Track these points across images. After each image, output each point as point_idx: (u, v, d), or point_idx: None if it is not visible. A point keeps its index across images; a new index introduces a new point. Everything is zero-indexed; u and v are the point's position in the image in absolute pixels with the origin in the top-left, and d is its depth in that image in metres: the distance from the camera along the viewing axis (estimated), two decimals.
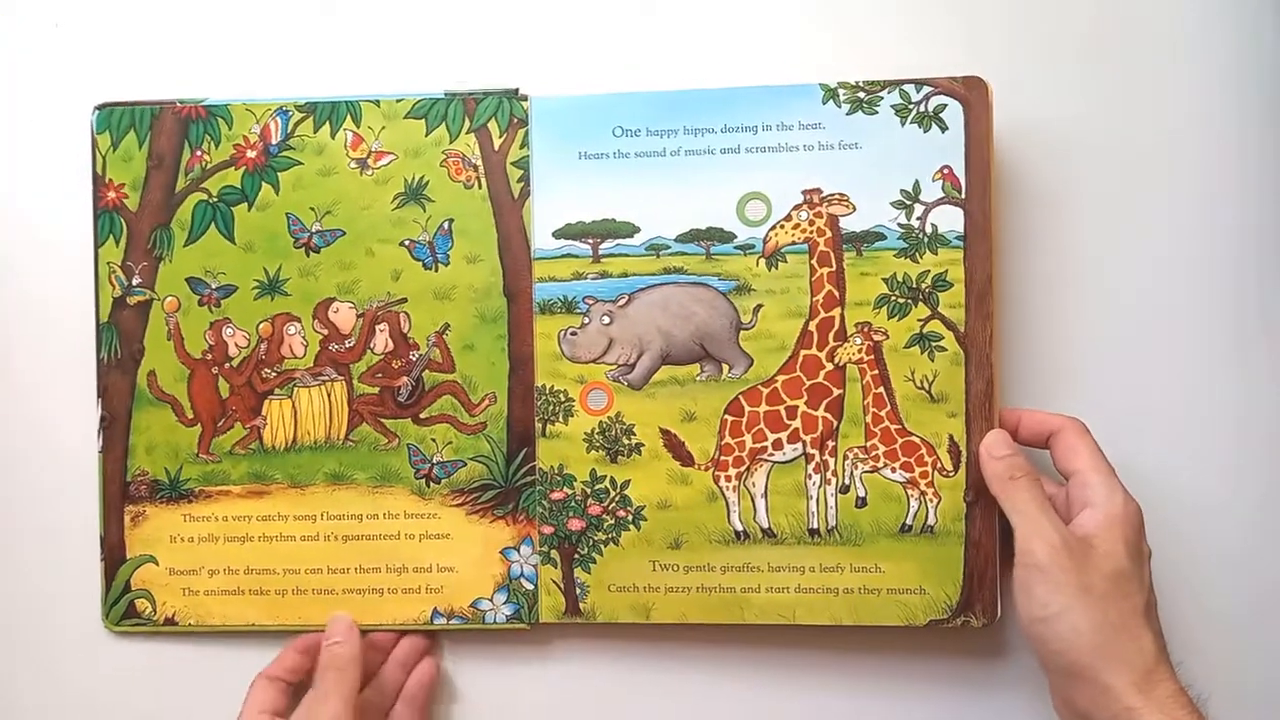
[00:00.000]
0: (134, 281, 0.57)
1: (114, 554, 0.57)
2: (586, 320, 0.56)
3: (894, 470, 0.54)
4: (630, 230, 0.55)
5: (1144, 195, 0.57)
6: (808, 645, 0.57)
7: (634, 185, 0.55)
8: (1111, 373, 0.57)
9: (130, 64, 0.59)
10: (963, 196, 0.53)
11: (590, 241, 0.56)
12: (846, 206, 0.54)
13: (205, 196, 0.57)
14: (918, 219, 0.54)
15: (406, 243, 0.57)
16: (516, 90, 0.56)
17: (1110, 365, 0.57)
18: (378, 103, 0.56)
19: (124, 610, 0.57)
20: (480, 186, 0.56)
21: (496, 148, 0.56)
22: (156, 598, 0.57)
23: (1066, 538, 0.48)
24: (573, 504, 0.56)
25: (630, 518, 0.56)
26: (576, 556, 0.56)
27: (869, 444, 0.54)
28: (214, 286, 0.57)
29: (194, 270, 0.57)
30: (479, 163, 0.56)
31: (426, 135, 0.56)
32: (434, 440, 0.57)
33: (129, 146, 0.57)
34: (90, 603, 0.58)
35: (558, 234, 0.56)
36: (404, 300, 0.57)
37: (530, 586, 0.56)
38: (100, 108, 0.57)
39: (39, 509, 0.59)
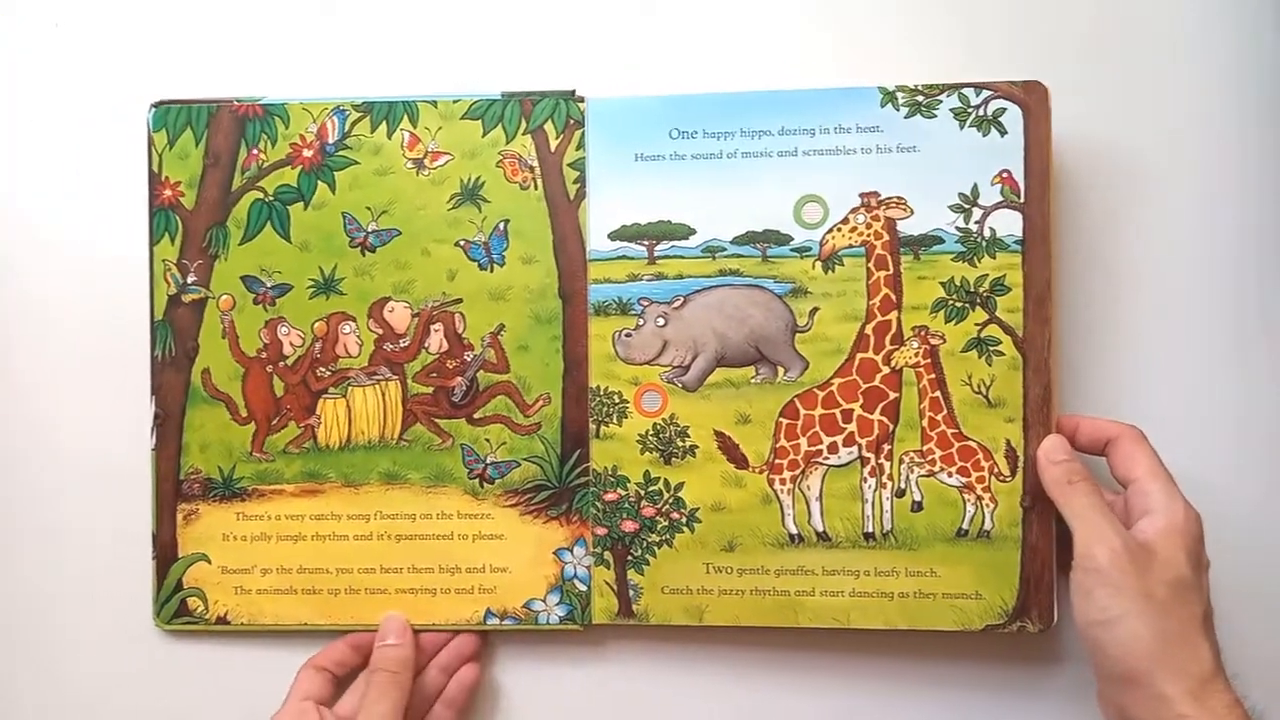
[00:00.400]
0: (189, 279, 0.56)
1: (166, 552, 0.57)
2: (641, 322, 0.55)
3: (950, 474, 0.54)
4: (686, 232, 0.55)
5: (1202, 200, 0.57)
6: (861, 649, 0.56)
7: (690, 187, 0.55)
8: (1170, 379, 0.56)
9: (187, 62, 0.59)
10: (1021, 200, 0.53)
11: (646, 243, 0.55)
12: (904, 210, 0.54)
13: (261, 195, 0.56)
14: (976, 223, 0.53)
15: (462, 243, 0.56)
16: (573, 92, 0.56)
17: (1169, 372, 0.56)
18: (434, 103, 0.56)
19: (175, 609, 0.57)
20: (536, 188, 0.56)
21: (553, 149, 0.56)
22: (209, 596, 0.57)
23: (1128, 543, 0.48)
24: (626, 505, 0.55)
25: (684, 520, 0.55)
26: (630, 558, 0.56)
27: (925, 448, 0.54)
28: (269, 285, 0.56)
29: (249, 269, 0.56)
30: (535, 164, 0.56)
31: (483, 136, 0.56)
32: (488, 440, 0.56)
33: (185, 145, 0.56)
34: (142, 601, 0.57)
35: (613, 235, 0.55)
36: (459, 300, 0.56)
37: (583, 588, 0.56)
38: (157, 105, 0.56)
39: (91, 506, 0.58)
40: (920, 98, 0.53)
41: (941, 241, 0.54)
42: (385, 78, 0.58)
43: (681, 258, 0.55)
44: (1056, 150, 0.54)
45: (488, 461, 0.56)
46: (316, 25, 0.59)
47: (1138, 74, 0.57)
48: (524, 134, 0.56)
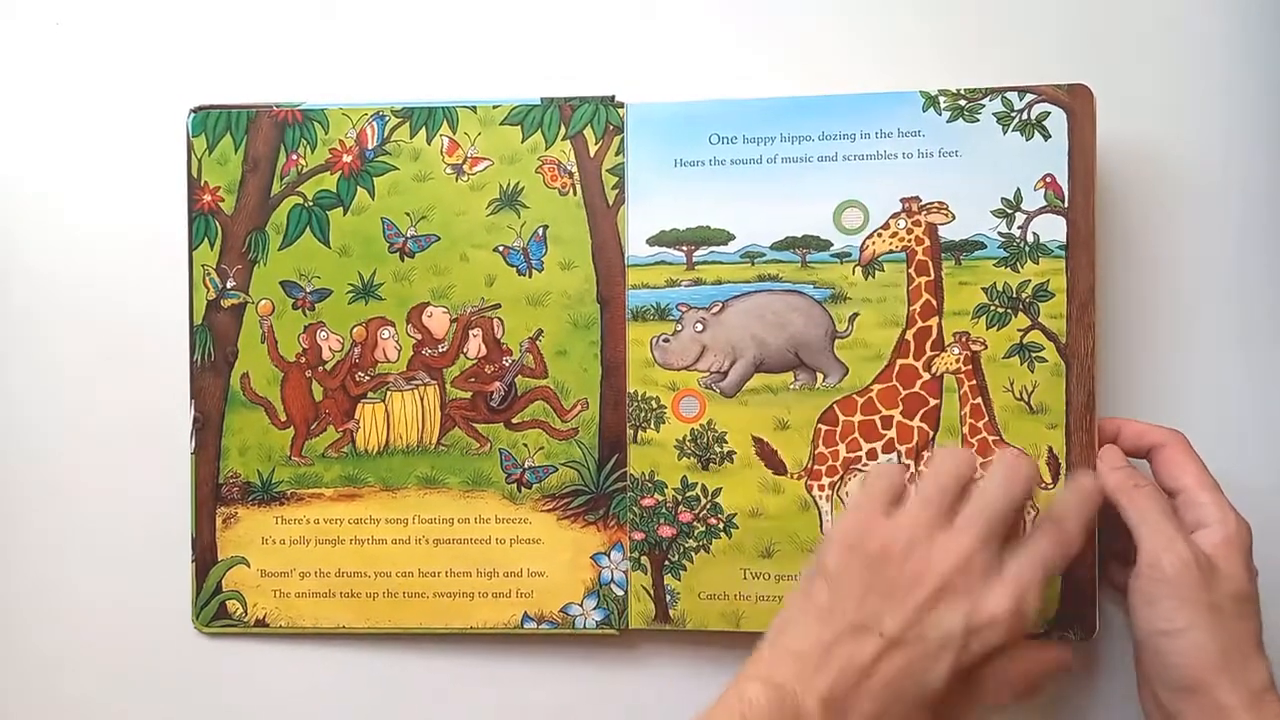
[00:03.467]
0: (228, 284, 0.51)
1: (205, 555, 0.51)
2: (679, 327, 0.50)
3: None
4: (725, 238, 0.50)
5: (1246, 204, 0.51)
6: None
7: (730, 193, 0.49)
8: (1213, 385, 0.50)
9: (226, 67, 0.53)
10: (1065, 205, 0.47)
11: (684, 249, 0.50)
12: (945, 215, 0.48)
13: (300, 200, 0.51)
14: (1019, 228, 0.48)
15: (500, 248, 0.51)
16: (613, 97, 0.50)
17: (1211, 377, 0.51)
18: (474, 109, 0.51)
19: (215, 611, 0.51)
20: (575, 193, 0.51)
21: (592, 154, 0.50)
22: (248, 599, 0.51)
23: (1196, 554, 0.43)
24: (663, 510, 0.50)
25: (721, 525, 0.50)
26: (667, 563, 0.50)
27: None
28: (308, 290, 0.51)
29: (288, 274, 0.51)
30: (574, 169, 0.50)
31: (522, 141, 0.50)
32: (525, 445, 0.51)
33: (225, 150, 0.51)
34: (181, 604, 0.52)
35: (652, 241, 0.50)
36: (497, 305, 0.51)
37: (620, 592, 0.51)
38: (196, 110, 0.51)
39: (131, 510, 0.53)
40: (963, 101, 0.48)
41: (983, 247, 0.48)
42: (424, 83, 0.52)
43: (720, 263, 0.50)
44: (1098, 154, 0.48)
45: (525, 466, 0.51)
46: (356, 31, 0.53)
47: (1180, 77, 0.51)
48: (563, 139, 0.50)
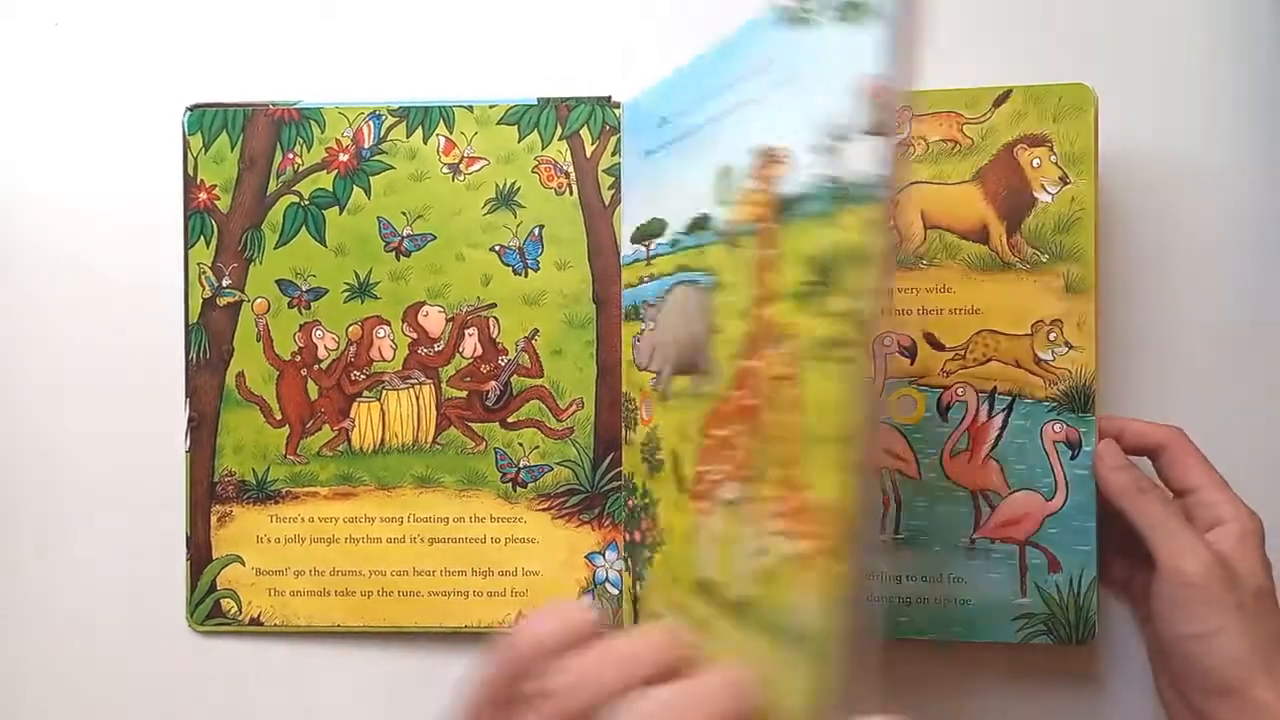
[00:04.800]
0: (224, 283, 0.49)
1: (200, 554, 0.49)
2: (645, 326, 0.47)
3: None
4: (660, 228, 0.43)
5: (1247, 200, 0.49)
6: (893, 660, 0.48)
7: (669, 177, 0.42)
8: (1214, 382, 0.49)
9: (223, 66, 0.51)
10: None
11: (646, 244, 0.45)
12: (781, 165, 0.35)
13: (297, 199, 0.49)
14: None
15: (497, 248, 0.49)
16: (609, 97, 0.48)
17: (1212, 374, 0.49)
18: (471, 108, 0.49)
19: (209, 610, 0.49)
20: (571, 193, 0.48)
21: (588, 154, 0.48)
22: (242, 598, 0.49)
23: (1218, 556, 0.41)
24: (636, 514, 0.47)
25: (658, 540, 0.43)
26: (636, 570, 0.47)
27: None
28: (304, 289, 0.49)
29: (284, 272, 0.49)
30: (571, 169, 0.48)
31: (519, 141, 0.48)
32: (521, 444, 0.49)
33: (221, 148, 0.49)
34: (175, 602, 0.50)
35: (632, 238, 0.46)
36: (493, 305, 0.49)
37: (615, 591, 0.48)
38: (192, 109, 0.49)
39: (126, 508, 0.50)
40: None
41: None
42: (421, 82, 0.50)
43: (661, 255, 0.44)
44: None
45: (520, 465, 0.49)
46: (352, 30, 0.51)
47: (1180, 75, 0.49)
48: (559, 139, 0.48)
